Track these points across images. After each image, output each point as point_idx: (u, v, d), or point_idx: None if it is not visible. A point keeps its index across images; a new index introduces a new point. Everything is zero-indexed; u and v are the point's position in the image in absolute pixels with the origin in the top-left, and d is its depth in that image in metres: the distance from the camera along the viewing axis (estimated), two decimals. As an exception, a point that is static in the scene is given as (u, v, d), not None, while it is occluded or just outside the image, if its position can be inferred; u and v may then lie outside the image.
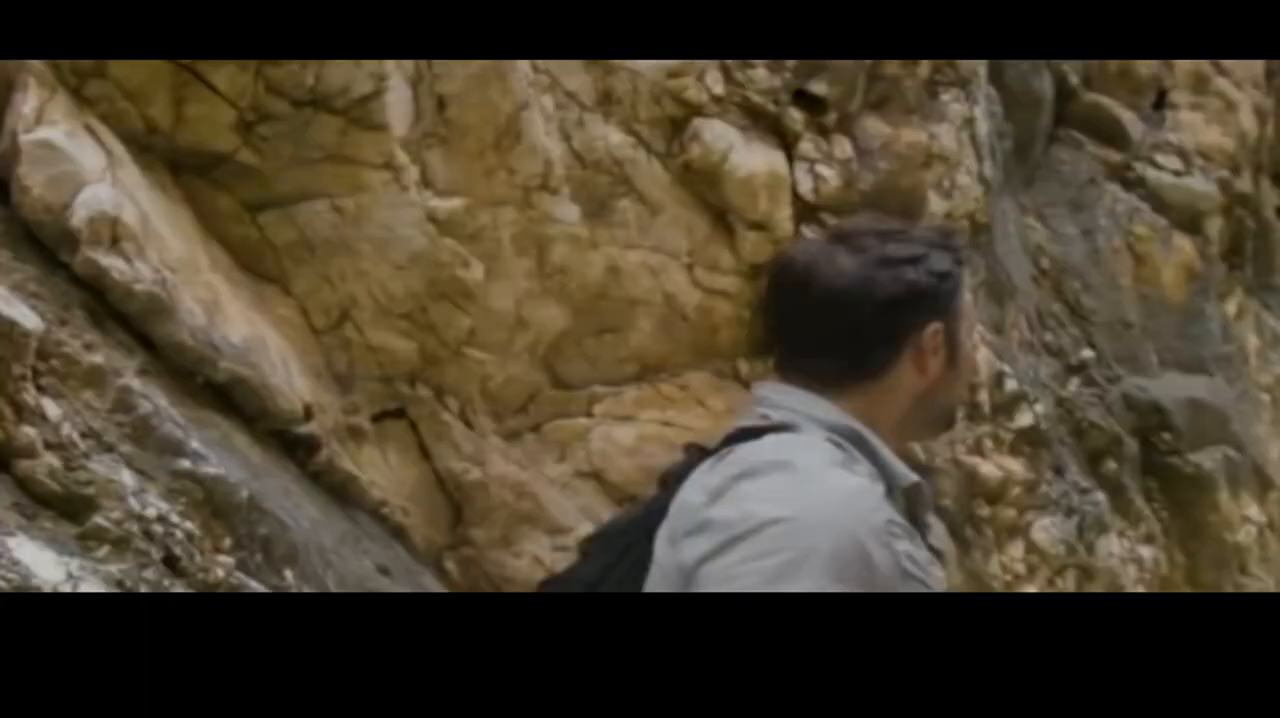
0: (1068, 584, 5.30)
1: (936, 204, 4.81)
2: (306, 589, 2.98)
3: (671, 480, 2.52)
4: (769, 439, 2.26)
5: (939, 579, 2.12)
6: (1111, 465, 5.63)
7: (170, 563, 2.65)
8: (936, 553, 2.16)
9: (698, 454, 2.53)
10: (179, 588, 2.61)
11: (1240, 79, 6.68)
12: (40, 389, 2.68)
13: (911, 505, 2.16)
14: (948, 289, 2.29)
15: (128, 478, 2.70)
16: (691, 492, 2.30)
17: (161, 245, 3.03)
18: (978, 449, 4.77)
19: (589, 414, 4.03)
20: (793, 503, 2.09)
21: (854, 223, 2.43)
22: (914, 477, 2.16)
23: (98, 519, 2.57)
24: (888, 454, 2.18)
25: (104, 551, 2.55)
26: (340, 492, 3.42)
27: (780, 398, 2.31)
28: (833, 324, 2.32)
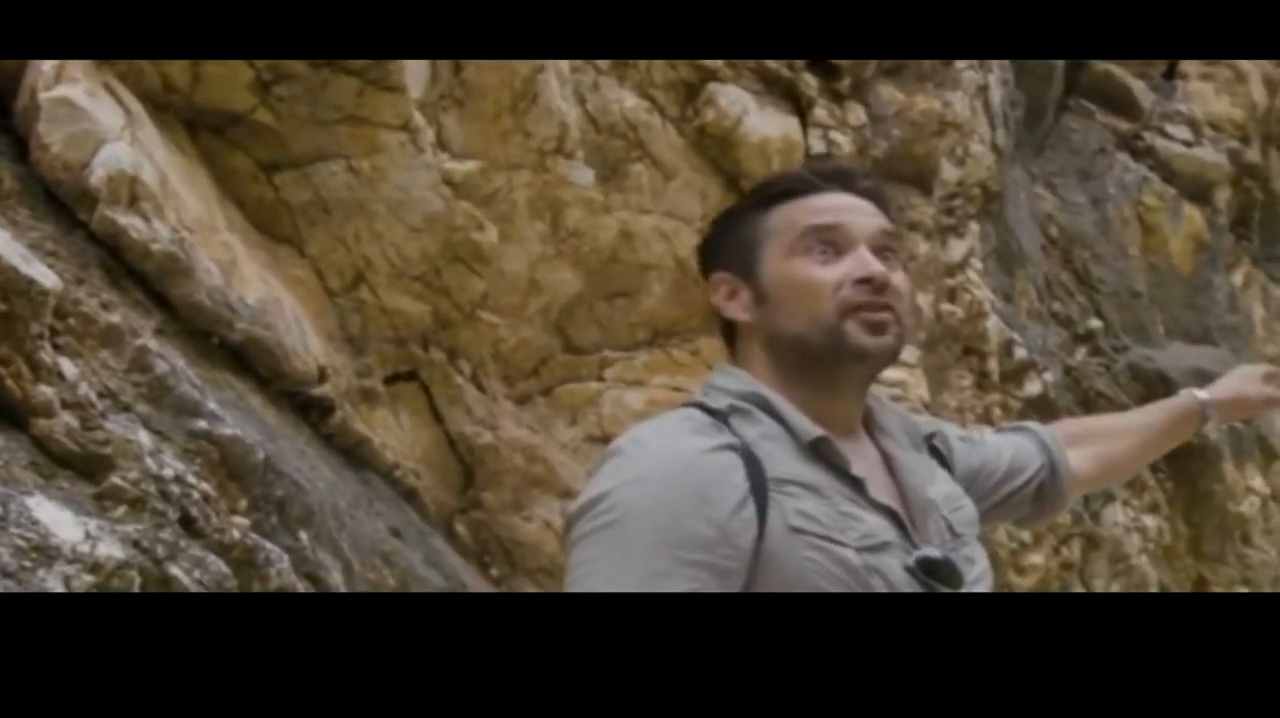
0: (1073, 552, 5.32)
1: (949, 171, 4.83)
2: (320, 551, 2.97)
3: None
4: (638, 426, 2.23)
5: (866, 533, 2.04)
6: (1117, 435, 5.64)
7: (186, 524, 2.62)
8: (880, 507, 2.08)
9: None
10: (195, 548, 2.60)
11: (1251, 49, 6.69)
12: (57, 348, 2.64)
13: (825, 460, 2.10)
14: (732, 233, 2.21)
15: (144, 438, 2.66)
16: None
17: (179, 205, 3.01)
18: (987, 417, 4.78)
19: (600, 378, 4.04)
20: (616, 476, 2.05)
21: None
22: (816, 431, 2.08)
23: (115, 479, 2.54)
24: (790, 412, 2.12)
25: (121, 510, 2.52)
26: (353, 454, 3.40)
27: (713, 375, 2.26)
28: None
